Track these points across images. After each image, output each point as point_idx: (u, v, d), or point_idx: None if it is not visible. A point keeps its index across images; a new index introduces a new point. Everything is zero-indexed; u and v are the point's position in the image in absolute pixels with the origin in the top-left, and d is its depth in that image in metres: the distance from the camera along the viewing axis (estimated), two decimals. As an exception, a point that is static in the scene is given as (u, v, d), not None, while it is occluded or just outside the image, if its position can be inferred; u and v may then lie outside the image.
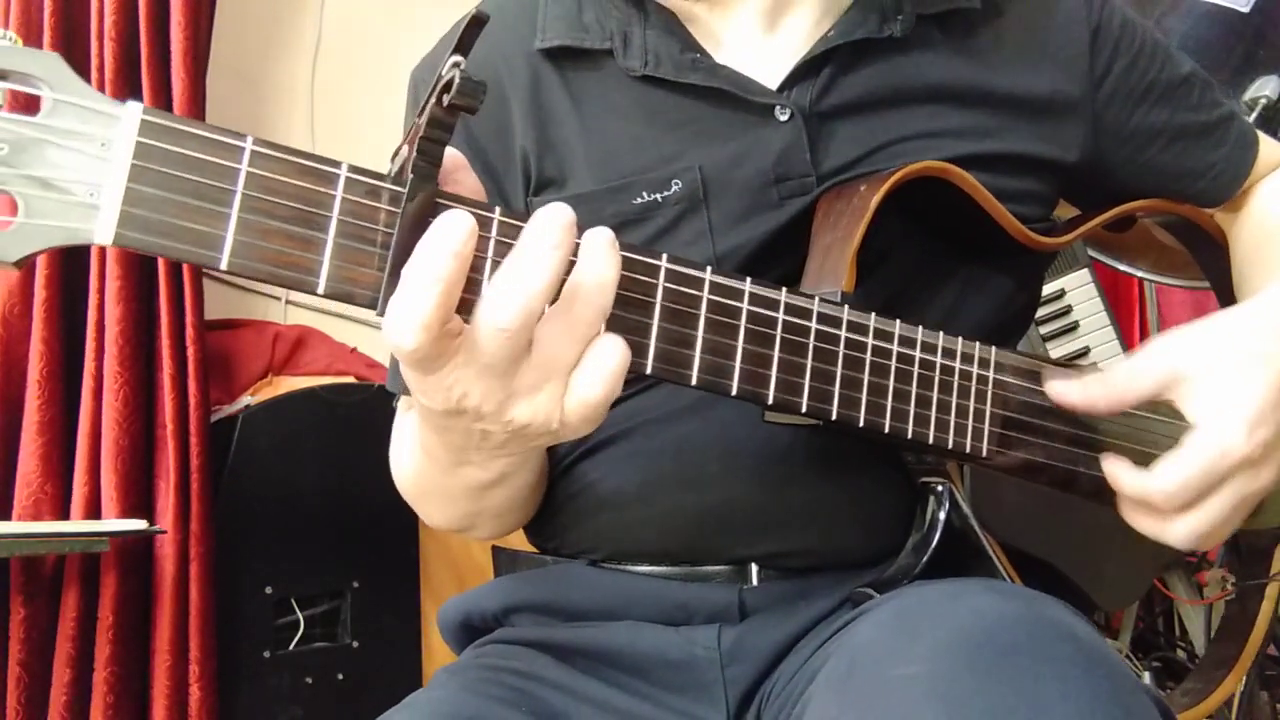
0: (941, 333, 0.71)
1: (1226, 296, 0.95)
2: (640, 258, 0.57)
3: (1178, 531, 0.70)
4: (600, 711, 0.76)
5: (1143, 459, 0.72)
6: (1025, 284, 0.85)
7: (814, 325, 0.64)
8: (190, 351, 1.68)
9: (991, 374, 0.73)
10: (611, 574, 0.81)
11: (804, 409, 0.64)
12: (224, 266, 0.48)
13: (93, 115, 0.46)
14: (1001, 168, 0.79)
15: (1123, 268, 1.34)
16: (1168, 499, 0.69)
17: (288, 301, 2.13)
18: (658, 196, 0.76)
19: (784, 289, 0.63)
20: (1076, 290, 1.67)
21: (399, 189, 0.51)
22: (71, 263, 1.64)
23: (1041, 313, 1.66)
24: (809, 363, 0.64)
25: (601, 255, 0.53)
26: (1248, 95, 1.39)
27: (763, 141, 0.77)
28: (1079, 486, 0.79)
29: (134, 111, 0.47)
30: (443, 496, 0.77)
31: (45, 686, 1.55)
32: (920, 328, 0.70)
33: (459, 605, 0.88)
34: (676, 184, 0.76)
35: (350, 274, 0.50)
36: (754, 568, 0.78)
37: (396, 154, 0.54)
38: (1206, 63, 1.42)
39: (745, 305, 0.61)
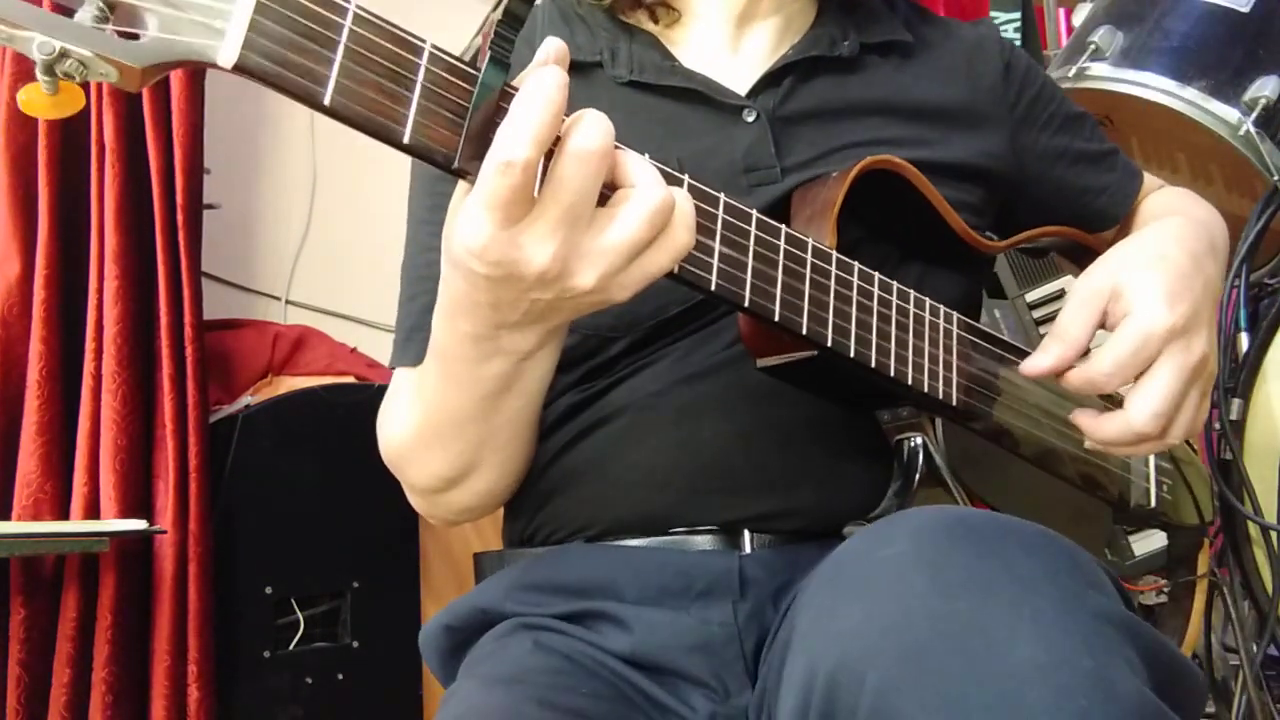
0: (911, 290, 0.80)
1: None
2: (671, 173, 0.65)
3: (1139, 412, 0.78)
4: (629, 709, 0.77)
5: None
6: (972, 284, 0.97)
7: (809, 258, 0.72)
8: (189, 351, 1.68)
9: (956, 329, 0.83)
10: (607, 549, 0.84)
11: (804, 330, 0.71)
12: (326, 103, 0.53)
13: None
14: (943, 175, 0.90)
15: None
16: (1109, 374, 0.78)
17: (288, 302, 2.13)
18: None
19: (783, 225, 0.71)
20: (1076, 290, 1.67)
21: (474, 70, 0.57)
22: (70, 263, 1.64)
23: (1041, 313, 1.65)
24: (806, 289, 0.72)
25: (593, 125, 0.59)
26: (1248, 95, 1.39)
27: (733, 138, 0.88)
28: (1033, 447, 0.89)
29: None
30: (451, 425, 0.79)
31: (45, 686, 1.55)
32: (894, 281, 0.78)
33: (439, 617, 0.89)
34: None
35: (429, 133, 0.56)
36: (747, 534, 0.83)
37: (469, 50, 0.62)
38: (1206, 63, 1.42)
39: (753, 229, 0.69)
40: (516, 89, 0.58)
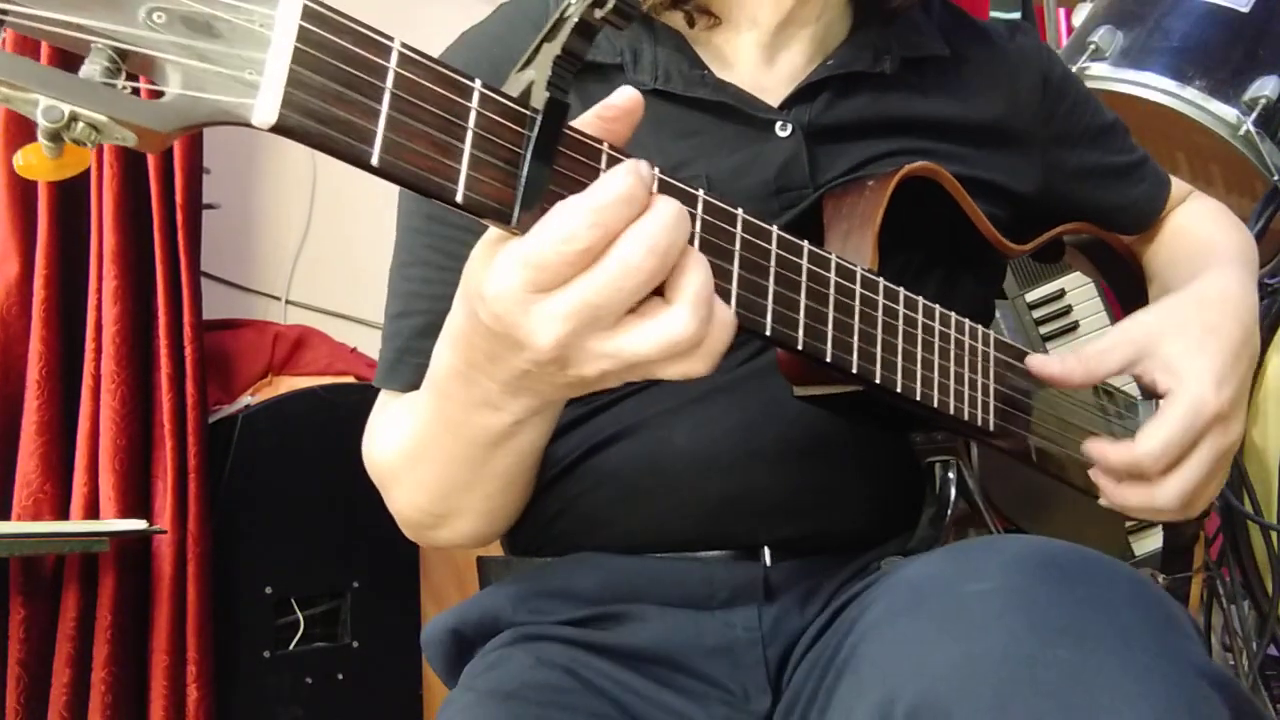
0: (953, 312, 0.78)
1: (1130, 304, 1.09)
2: (722, 205, 0.60)
3: (1168, 494, 0.77)
4: (647, 705, 0.76)
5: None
6: (990, 289, 0.96)
7: (858, 289, 0.69)
8: (188, 351, 1.68)
9: (992, 351, 0.81)
10: (626, 558, 0.81)
11: (855, 369, 0.68)
12: (375, 163, 0.47)
13: None
14: (973, 189, 0.87)
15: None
16: (1155, 461, 0.76)
17: (288, 302, 2.13)
18: None
19: (833, 253, 0.68)
20: (1076, 290, 1.67)
21: (531, 112, 0.52)
22: (70, 263, 1.64)
23: (1041, 313, 1.65)
24: (856, 324, 0.68)
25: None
26: (1248, 95, 1.39)
27: (765, 154, 0.83)
28: (1056, 459, 0.87)
29: None
30: (440, 458, 0.73)
31: (44, 686, 1.55)
32: (936, 304, 0.76)
33: (444, 620, 0.86)
34: None
35: (485, 188, 0.50)
36: (766, 551, 0.80)
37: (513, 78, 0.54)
38: (1207, 63, 1.42)
39: (805, 263, 0.65)
40: (576, 130, 0.53)
